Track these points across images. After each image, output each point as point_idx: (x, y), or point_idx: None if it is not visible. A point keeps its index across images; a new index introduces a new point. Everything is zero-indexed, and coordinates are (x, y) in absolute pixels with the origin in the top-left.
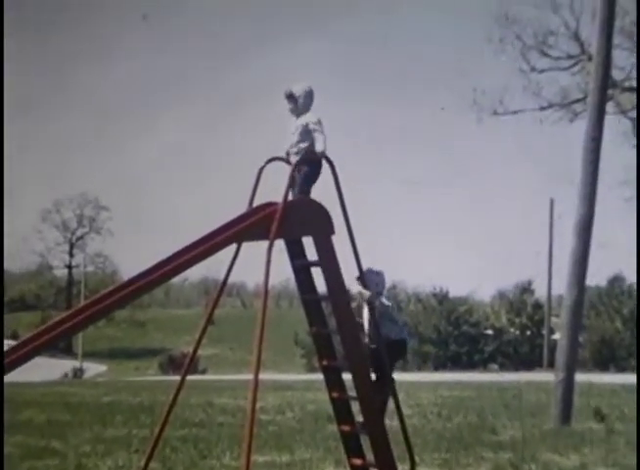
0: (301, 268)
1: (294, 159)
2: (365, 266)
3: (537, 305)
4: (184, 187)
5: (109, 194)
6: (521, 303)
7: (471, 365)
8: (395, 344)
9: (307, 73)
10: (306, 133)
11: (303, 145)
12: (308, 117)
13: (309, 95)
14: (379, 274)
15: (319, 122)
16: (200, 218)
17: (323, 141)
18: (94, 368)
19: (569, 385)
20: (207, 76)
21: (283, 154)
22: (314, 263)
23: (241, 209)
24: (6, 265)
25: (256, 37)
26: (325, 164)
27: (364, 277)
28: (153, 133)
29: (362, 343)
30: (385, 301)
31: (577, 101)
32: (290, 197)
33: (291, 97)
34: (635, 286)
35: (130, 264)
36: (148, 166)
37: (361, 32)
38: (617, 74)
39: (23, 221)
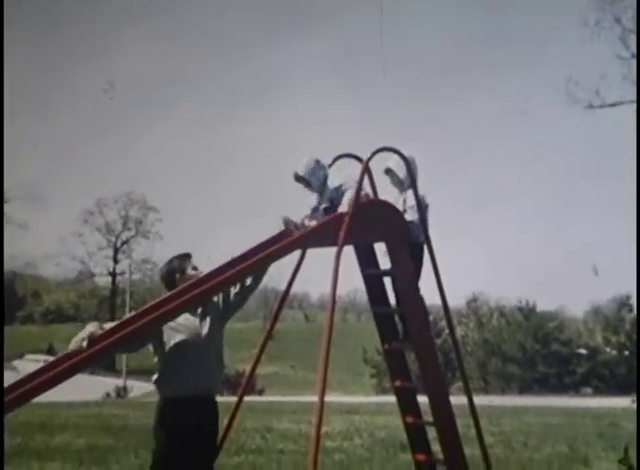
0: (373, 278)
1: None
2: (444, 276)
3: (637, 322)
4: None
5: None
6: (618, 319)
7: (561, 388)
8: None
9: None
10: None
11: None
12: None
13: (317, 170)
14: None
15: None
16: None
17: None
18: (140, 387)
19: None
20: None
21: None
22: (387, 272)
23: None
24: (42, 272)
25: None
26: None
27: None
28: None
29: (439, 362)
30: None
31: None
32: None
33: (300, 179)
34: None
35: None
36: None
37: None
38: None
39: (62, 223)
